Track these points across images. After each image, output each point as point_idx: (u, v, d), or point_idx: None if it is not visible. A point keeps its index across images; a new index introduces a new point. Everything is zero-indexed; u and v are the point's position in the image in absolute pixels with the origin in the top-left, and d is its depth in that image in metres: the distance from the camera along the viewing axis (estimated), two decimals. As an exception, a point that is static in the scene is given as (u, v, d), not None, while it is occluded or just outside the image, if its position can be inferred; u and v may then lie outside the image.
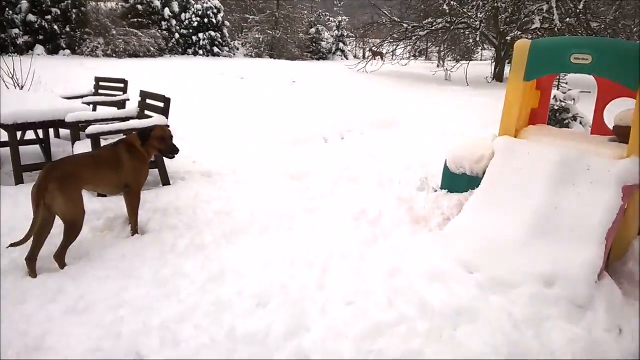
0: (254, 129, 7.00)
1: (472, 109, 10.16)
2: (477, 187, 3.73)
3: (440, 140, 6.94)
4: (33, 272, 3.08)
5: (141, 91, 5.15)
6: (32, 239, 3.05)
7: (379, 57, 22.38)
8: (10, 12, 21.70)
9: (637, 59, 3.35)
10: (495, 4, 15.29)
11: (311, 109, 8.75)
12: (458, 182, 4.20)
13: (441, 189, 4.40)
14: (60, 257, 3.18)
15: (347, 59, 32.30)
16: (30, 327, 2.57)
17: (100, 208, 3.99)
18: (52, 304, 2.77)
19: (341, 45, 33.98)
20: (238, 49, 30.25)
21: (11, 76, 8.97)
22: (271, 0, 31.54)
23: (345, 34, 34.32)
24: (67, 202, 3.10)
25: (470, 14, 16.09)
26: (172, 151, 3.78)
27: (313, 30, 32.76)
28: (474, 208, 3.53)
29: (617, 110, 3.89)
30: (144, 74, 13.94)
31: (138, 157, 3.65)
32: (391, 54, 20.52)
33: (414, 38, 18.42)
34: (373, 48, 25.99)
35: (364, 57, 29.61)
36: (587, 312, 2.68)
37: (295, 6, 32.09)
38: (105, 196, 4.25)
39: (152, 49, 23.78)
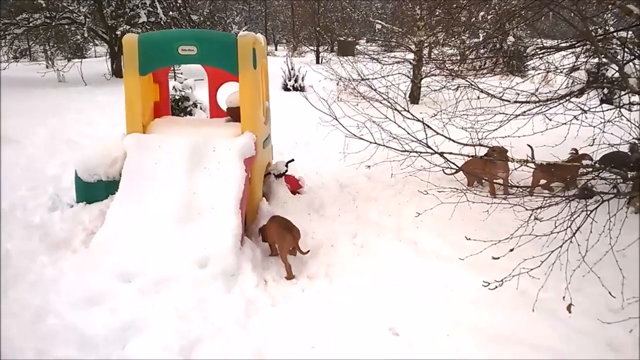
0: None
1: (98, 109, 9.58)
2: (117, 191, 3.53)
3: (71, 149, 6.24)
4: None
5: None
6: None
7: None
8: None
9: (233, 48, 3.74)
10: (97, -4, 14.71)
11: None
12: (95, 190, 3.88)
13: (77, 202, 3.97)
14: None
15: None
16: None
17: None
18: None
19: None
20: None
21: None
22: None
23: None
24: None
25: (71, 8, 15.02)
26: None
27: None
28: (116, 214, 3.35)
29: (228, 93, 4.30)
30: None
31: None
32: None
33: (9, 37, 15.85)
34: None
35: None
36: (239, 277, 3.00)
37: None
38: None
39: None
